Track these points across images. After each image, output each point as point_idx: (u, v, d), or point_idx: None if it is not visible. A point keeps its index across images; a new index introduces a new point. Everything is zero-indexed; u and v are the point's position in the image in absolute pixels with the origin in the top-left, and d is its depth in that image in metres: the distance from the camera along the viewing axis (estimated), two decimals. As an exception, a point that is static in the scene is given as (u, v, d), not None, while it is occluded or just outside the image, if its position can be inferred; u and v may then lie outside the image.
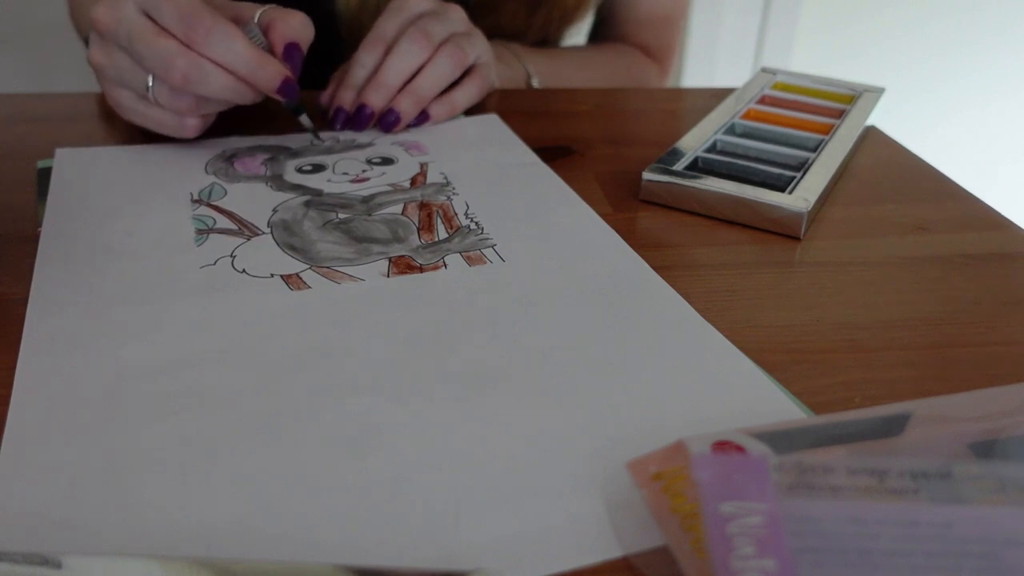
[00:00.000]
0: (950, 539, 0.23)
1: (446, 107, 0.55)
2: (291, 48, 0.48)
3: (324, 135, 0.54)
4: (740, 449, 0.27)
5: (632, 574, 0.25)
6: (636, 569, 0.25)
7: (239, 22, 0.48)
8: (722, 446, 0.27)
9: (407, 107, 0.53)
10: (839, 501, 0.24)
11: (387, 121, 0.53)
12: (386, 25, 0.54)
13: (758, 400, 0.32)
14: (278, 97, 0.48)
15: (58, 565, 0.21)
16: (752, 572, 0.22)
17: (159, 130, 0.49)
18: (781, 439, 0.28)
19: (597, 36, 0.85)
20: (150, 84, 0.46)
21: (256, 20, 0.48)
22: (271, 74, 0.46)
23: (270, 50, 0.48)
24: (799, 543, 0.23)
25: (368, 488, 0.27)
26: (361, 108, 0.53)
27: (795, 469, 0.25)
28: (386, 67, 0.52)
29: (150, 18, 0.45)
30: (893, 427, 0.29)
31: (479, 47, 0.55)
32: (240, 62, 0.45)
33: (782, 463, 0.25)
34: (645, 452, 0.28)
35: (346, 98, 0.53)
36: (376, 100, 0.53)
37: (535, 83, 0.65)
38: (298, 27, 0.48)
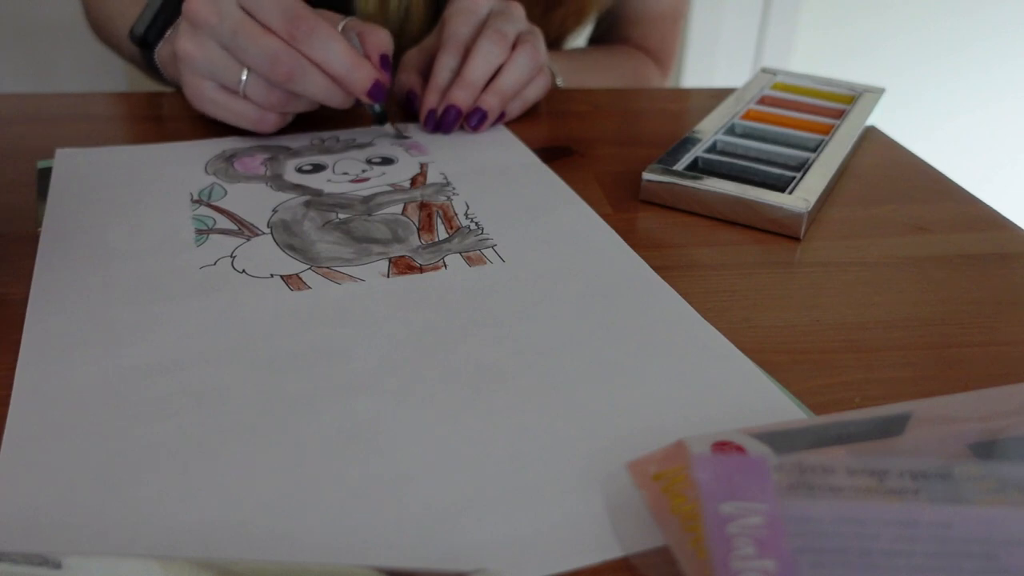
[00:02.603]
0: (950, 539, 0.23)
1: (519, 103, 0.57)
2: (384, 59, 0.51)
3: (325, 135, 0.54)
4: (740, 449, 0.27)
5: (632, 574, 0.25)
6: (636, 569, 0.25)
7: None
8: (722, 446, 0.27)
9: (493, 104, 0.55)
10: (839, 501, 0.24)
11: (473, 119, 0.55)
12: (460, 28, 0.55)
13: (758, 400, 0.32)
14: (367, 100, 0.50)
15: (58, 565, 0.21)
16: (752, 572, 0.22)
17: (236, 123, 0.51)
18: (781, 439, 0.28)
19: (597, 36, 0.85)
20: (243, 78, 0.48)
21: (341, 29, 0.50)
22: (364, 77, 0.48)
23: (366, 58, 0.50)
24: (799, 543, 0.23)
25: (368, 488, 0.27)
26: (449, 108, 0.54)
27: (795, 469, 0.25)
28: (471, 68, 0.54)
29: (249, 14, 0.46)
30: (893, 427, 0.29)
31: (543, 44, 0.57)
32: (339, 64, 0.47)
33: (782, 463, 0.25)
34: (645, 452, 0.28)
35: (433, 100, 0.55)
36: (463, 99, 0.54)
37: (559, 82, 0.66)
38: (387, 40, 0.51)
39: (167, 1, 0.55)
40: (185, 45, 0.48)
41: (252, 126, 0.51)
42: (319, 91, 0.48)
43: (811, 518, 0.23)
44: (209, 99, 0.50)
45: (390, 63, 0.51)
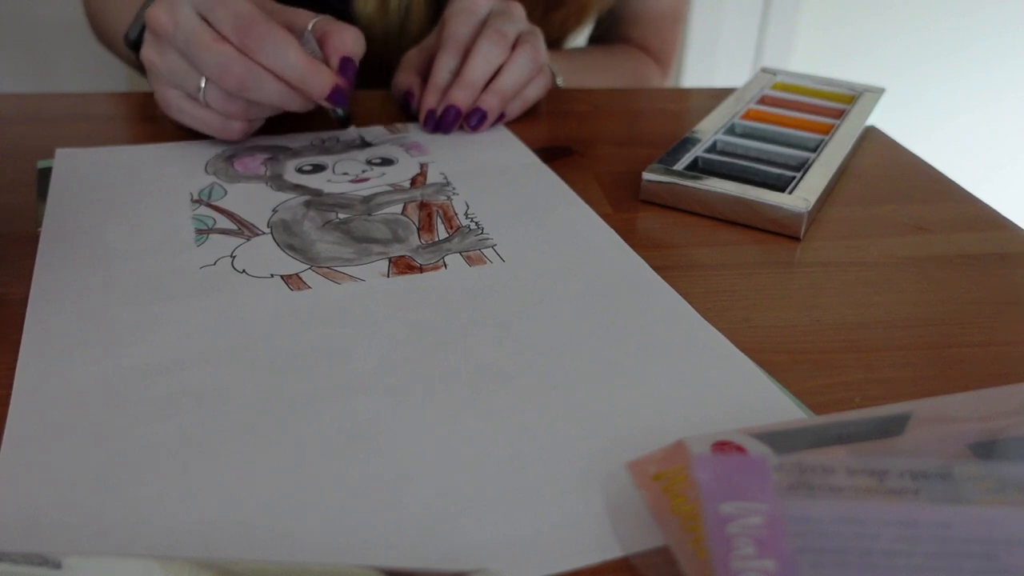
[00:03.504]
0: (950, 539, 0.23)
1: (519, 103, 0.57)
2: (345, 62, 0.49)
3: (325, 135, 0.54)
4: (740, 449, 0.27)
5: (632, 574, 0.25)
6: (636, 569, 0.25)
7: (292, 29, 0.49)
8: (722, 446, 0.27)
9: (493, 104, 0.54)
10: (839, 501, 0.24)
11: (473, 119, 0.54)
12: (460, 28, 0.55)
13: (758, 400, 0.32)
14: (327, 105, 0.49)
15: (58, 565, 0.21)
16: (752, 572, 0.22)
17: (204, 130, 0.50)
18: (781, 439, 0.28)
19: (597, 36, 0.85)
20: (202, 86, 0.47)
21: (310, 29, 0.49)
22: (322, 82, 0.47)
23: (324, 60, 0.49)
24: (799, 543, 0.23)
25: (368, 488, 0.27)
26: (448, 108, 0.54)
27: (795, 469, 0.25)
28: (470, 68, 0.54)
29: (206, 22, 0.45)
30: (893, 427, 0.29)
31: (544, 44, 0.57)
32: (292, 70, 0.46)
33: (782, 463, 0.25)
34: (645, 452, 0.28)
35: (433, 100, 0.55)
36: (463, 99, 0.54)
37: (559, 82, 0.66)
38: (351, 41, 0.49)
39: None
40: (148, 53, 0.48)
41: (218, 134, 0.50)
42: (275, 97, 0.47)
43: (811, 518, 0.23)
44: (176, 107, 0.49)
45: (354, 65, 0.50)
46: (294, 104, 0.48)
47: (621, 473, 0.27)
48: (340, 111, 0.52)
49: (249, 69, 0.45)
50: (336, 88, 0.47)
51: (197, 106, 0.49)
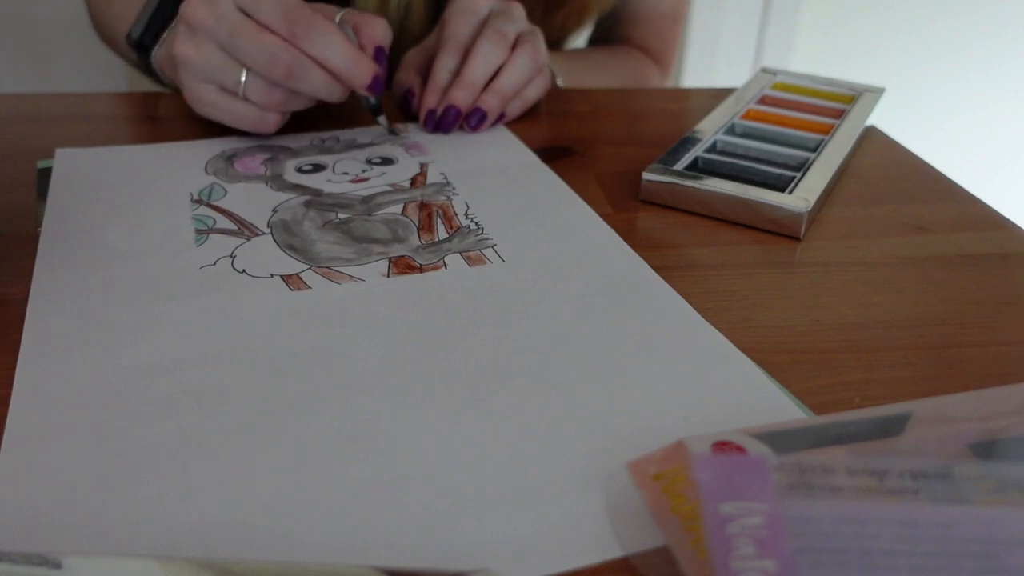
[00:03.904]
0: (950, 539, 0.23)
1: (519, 104, 0.57)
2: (379, 51, 0.50)
3: (325, 135, 0.54)
4: (740, 449, 0.27)
5: (632, 574, 0.25)
6: (636, 569, 0.25)
7: None
8: (722, 446, 0.27)
9: (493, 104, 0.55)
10: (839, 501, 0.24)
11: (473, 119, 0.55)
12: (460, 28, 0.55)
13: (758, 400, 0.32)
14: (366, 94, 0.50)
15: (58, 565, 0.21)
16: (752, 572, 0.22)
17: (237, 125, 0.50)
18: (781, 439, 0.28)
19: (597, 36, 0.85)
20: (243, 80, 0.47)
21: (338, 21, 0.50)
22: (365, 72, 0.48)
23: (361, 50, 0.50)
24: (799, 543, 0.23)
25: (368, 488, 0.27)
26: (448, 108, 0.54)
27: (795, 469, 0.25)
28: (470, 68, 0.54)
29: (246, 15, 0.46)
30: (893, 427, 0.29)
31: (544, 45, 0.57)
32: (338, 58, 0.47)
33: (782, 463, 0.25)
34: (645, 452, 0.28)
35: (433, 100, 0.55)
36: (463, 99, 0.54)
37: (559, 83, 0.66)
38: (383, 32, 0.51)
39: (162, 3, 0.55)
40: (183, 49, 0.48)
41: (252, 127, 0.50)
42: (319, 88, 0.48)
43: (811, 518, 0.23)
44: (209, 102, 0.49)
45: (386, 54, 0.51)
46: (335, 94, 0.49)
47: (621, 473, 0.27)
48: (373, 100, 0.52)
49: (297, 58, 0.46)
50: (376, 76, 0.49)
51: (233, 100, 0.49)
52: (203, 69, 0.48)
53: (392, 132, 0.55)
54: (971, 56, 1.71)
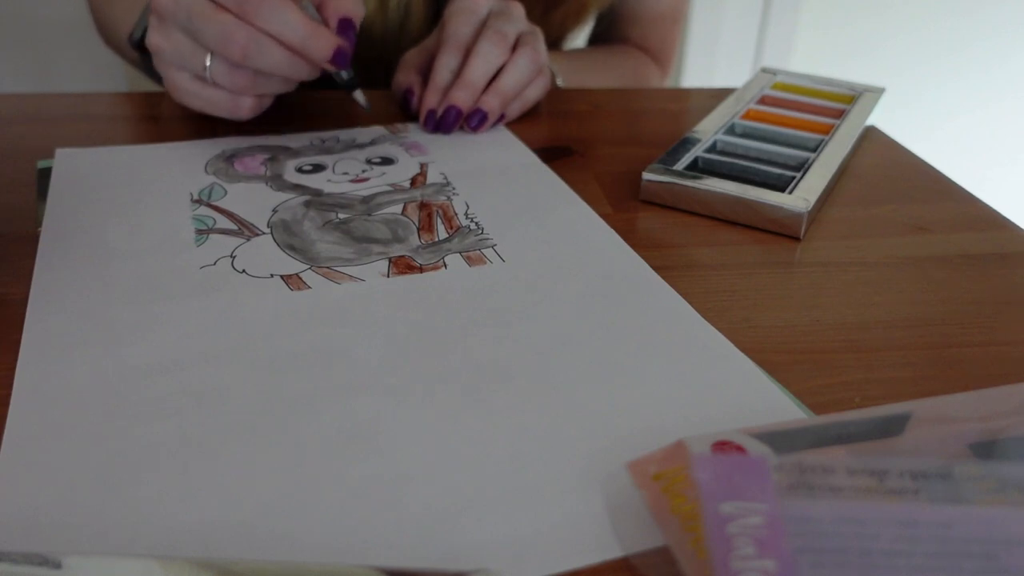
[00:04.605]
0: (950, 539, 0.23)
1: (520, 104, 0.57)
2: (344, 23, 0.48)
3: (325, 135, 0.54)
4: (740, 449, 0.27)
5: (632, 574, 0.25)
6: (636, 569, 0.25)
7: None
8: (722, 446, 0.27)
9: (494, 105, 0.54)
10: (839, 501, 0.24)
11: (474, 120, 0.54)
12: (460, 28, 0.55)
13: (758, 400, 0.32)
14: (331, 68, 0.48)
15: (58, 565, 0.21)
16: (752, 572, 0.22)
17: (214, 112, 0.50)
18: (781, 439, 0.28)
19: (596, 36, 0.85)
20: (208, 63, 0.47)
21: None
22: (324, 44, 0.46)
23: (324, 24, 0.48)
24: (799, 543, 0.23)
25: (368, 488, 0.27)
26: (449, 109, 0.54)
27: (795, 469, 0.25)
28: (471, 68, 0.53)
29: None
30: (893, 427, 0.29)
31: (544, 45, 0.57)
32: (292, 33, 0.45)
33: (782, 463, 0.25)
34: (645, 452, 0.28)
35: (433, 100, 0.55)
36: (464, 100, 0.54)
37: (559, 83, 0.66)
38: (350, 4, 0.49)
39: None
40: (154, 38, 0.48)
41: (227, 113, 0.49)
42: (279, 65, 0.46)
43: (811, 518, 0.23)
44: (185, 90, 0.49)
45: (354, 27, 0.49)
46: (300, 71, 0.47)
47: (621, 473, 0.27)
48: (345, 74, 0.51)
49: (251, 35, 0.45)
50: (339, 49, 0.47)
51: (205, 86, 0.48)
52: (173, 57, 0.47)
53: (366, 108, 0.54)
54: (971, 56, 1.71)
